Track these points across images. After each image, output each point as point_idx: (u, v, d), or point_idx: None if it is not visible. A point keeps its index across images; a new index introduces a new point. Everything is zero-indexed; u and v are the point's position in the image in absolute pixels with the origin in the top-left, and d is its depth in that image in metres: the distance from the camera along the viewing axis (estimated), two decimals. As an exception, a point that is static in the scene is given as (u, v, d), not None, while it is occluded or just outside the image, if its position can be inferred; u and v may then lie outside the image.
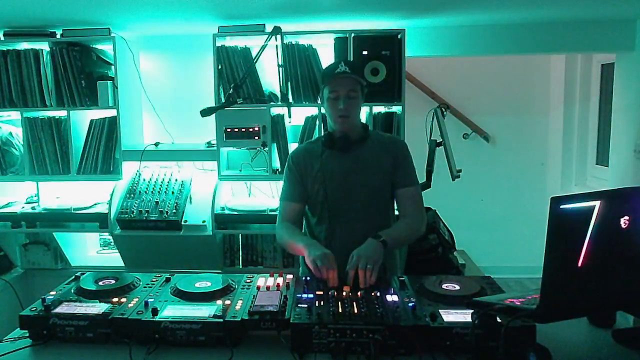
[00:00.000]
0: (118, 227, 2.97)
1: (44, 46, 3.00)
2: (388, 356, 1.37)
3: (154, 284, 1.73)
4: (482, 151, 4.48)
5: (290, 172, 2.08)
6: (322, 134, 2.16)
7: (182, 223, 2.93)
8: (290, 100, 2.88)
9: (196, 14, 2.74)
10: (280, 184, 3.16)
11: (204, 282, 1.70)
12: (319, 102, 2.90)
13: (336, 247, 1.90)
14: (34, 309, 1.54)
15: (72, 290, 1.68)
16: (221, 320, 1.46)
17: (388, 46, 2.82)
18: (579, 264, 1.19)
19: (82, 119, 3.08)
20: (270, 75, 2.98)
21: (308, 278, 1.74)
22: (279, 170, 2.97)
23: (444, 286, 1.65)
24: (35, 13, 2.66)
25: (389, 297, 1.58)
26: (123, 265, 3.16)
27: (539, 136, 4.57)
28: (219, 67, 2.89)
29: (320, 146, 2.04)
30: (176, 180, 3.13)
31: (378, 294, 1.61)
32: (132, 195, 3.04)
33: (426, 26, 3.25)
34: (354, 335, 1.39)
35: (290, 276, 1.78)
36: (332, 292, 1.62)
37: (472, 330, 1.34)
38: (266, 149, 2.91)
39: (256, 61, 2.83)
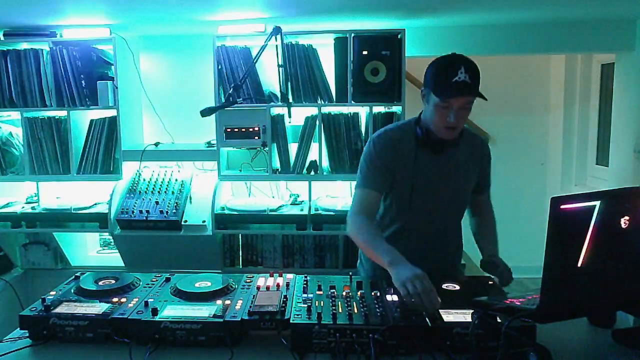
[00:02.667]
0: (118, 227, 2.97)
1: (44, 46, 3.00)
2: (388, 356, 1.37)
3: (154, 284, 1.73)
4: (482, 151, 4.47)
5: (377, 158, 1.83)
6: (413, 119, 1.89)
7: (182, 223, 2.93)
8: (290, 100, 2.88)
9: (196, 13, 2.74)
10: (282, 184, 3.23)
11: (204, 282, 1.70)
12: (319, 102, 2.91)
13: (407, 246, 1.79)
14: (34, 309, 1.54)
15: (72, 290, 1.68)
16: (221, 320, 1.46)
17: (388, 46, 2.82)
18: (579, 264, 1.19)
19: (82, 119, 3.08)
20: (270, 75, 2.98)
21: (309, 278, 1.74)
22: (279, 170, 2.98)
23: (444, 286, 1.65)
24: (35, 13, 2.66)
25: (389, 297, 1.58)
26: (123, 265, 3.16)
27: (539, 136, 4.57)
28: (219, 67, 2.89)
29: (413, 140, 1.83)
30: (176, 180, 3.13)
31: (378, 294, 1.62)
32: (132, 195, 3.04)
33: (426, 26, 3.25)
34: (354, 335, 1.39)
35: (290, 276, 1.78)
36: (332, 292, 1.62)
37: (472, 330, 1.34)
38: (266, 149, 2.91)
39: (256, 61, 2.83)
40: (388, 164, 1.82)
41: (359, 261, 2.12)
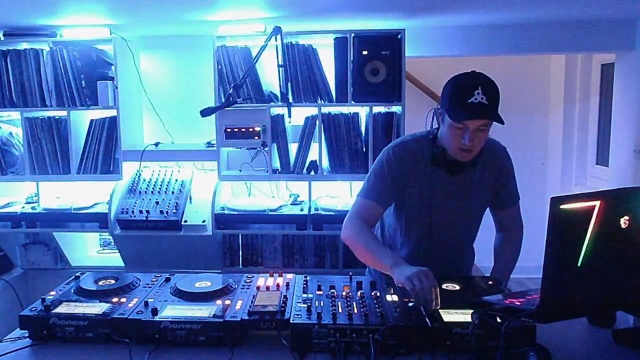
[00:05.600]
0: (118, 227, 2.97)
1: (44, 46, 3.00)
2: (388, 356, 1.37)
3: (154, 284, 1.73)
4: (482, 151, 4.48)
5: (389, 173, 1.79)
6: (432, 132, 1.82)
7: (182, 223, 2.93)
8: (290, 100, 2.88)
9: (196, 14, 2.74)
10: (282, 184, 3.23)
11: (204, 282, 1.70)
12: (319, 102, 2.91)
13: (415, 262, 1.75)
14: (34, 309, 1.54)
15: (72, 290, 1.68)
16: (221, 320, 1.46)
17: (388, 46, 2.82)
18: (579, 264, 1.19)
19: (82, 119, 3.08)
20: (270, 75, 2.98)
21: (308, 278, 1.74)
22: (279, 170, 2.98)
23: (444, 286, 1.65)
24: (35, 13, 2.66)
25: (389, 297, 1.58)
26: (123, 265, 3.16)
27: (539, 136, 4.57)
28: (219, 67, 2.89)
29: (429, 157, 1.76)
30: (176, 180, 3.13)
31: (378, 294, 1.62)
32: (132, 195, 3.04)
33: (426, 26, 3.25)
34: (354, 335, 1.39)
35: (290, 276, 1.78)
36: (331, 292, 1.62)
37: (472, 330, 1.34)
38: (266, 149, 2.91)
39: (256, 61, 2.83)
40: (398, 177, 1.79)
41: (367, 270, 2.09)
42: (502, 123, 1.60)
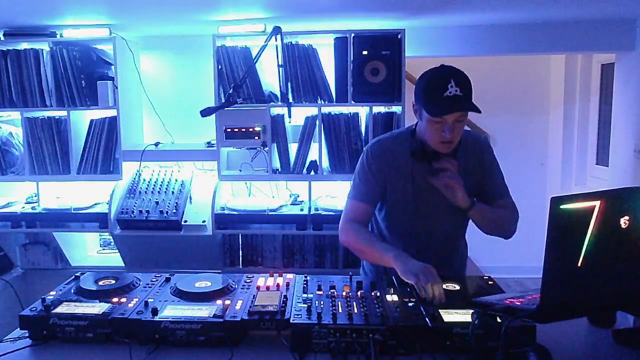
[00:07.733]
0: (118, 227, 2.97)
1: (44, 46, 3.00)
2: (388, 356, 1.37)
3: (154, 284, 1.73)
4: (482, 151, 4.48)
5: (370, 170, 1.83)
6: (410, 129, 1.86)
7: (182, 223, 2.94)
8: (290, 100, 2.88)
9: (196, 13, 2.74)
10: (282, 184, 3.23)
11: (204, 282, 1.70)
12: (319, 102, 2.91)
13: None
14: (34, 309, 1.54)
15: (72, 290, 1.67)
16: (221, 320, 1.46)
17: (388, 46, 2.82)
18: (579, 264, 1.19)
19: (82, 119, 3.08)
20: (270, 75, 2.98)
21: (309, 278, 1.74)
22: (279, 170, 2.98)
23: (444, 286, 1.65)
24: (35, 13, 2.66)
25: (389, 297, 1.58)
26: (123, 265, 3.16)
27: (539, 136, 4.58)
28: (219, 67, 2.89)
29: (409, 151, 1.80)
30: (176, 180, 3.13)
31: (378, 294, 1.62)
32: (132, 195, 3.04)
33: (426, 26, 3.26)
34: (354, 335, 1.39)
35: (290, 276, 1.78)
36: (332, 292, 1.62)
37: (472, 330, 1.34)
38: (266, 149, 2.91)
39: (256, 61, 2.83)
40: (379, 175, 1.83)
41: (361, 268, 2.11)
42: (479, 112, 1.62)
